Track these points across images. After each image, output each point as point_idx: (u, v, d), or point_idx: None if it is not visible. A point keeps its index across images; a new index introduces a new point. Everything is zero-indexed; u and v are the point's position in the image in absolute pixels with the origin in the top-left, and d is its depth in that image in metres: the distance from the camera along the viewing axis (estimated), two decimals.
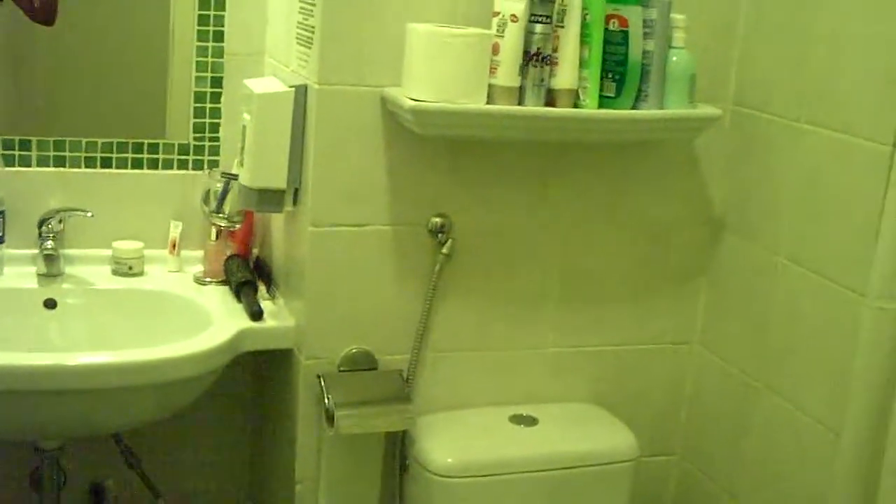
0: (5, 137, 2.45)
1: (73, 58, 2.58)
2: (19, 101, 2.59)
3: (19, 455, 2.41)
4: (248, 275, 2.45)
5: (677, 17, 2.23)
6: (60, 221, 2.46)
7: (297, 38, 2.28)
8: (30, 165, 2.49)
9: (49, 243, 2.44)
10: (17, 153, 2.48)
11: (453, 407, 2.41)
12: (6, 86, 2.56)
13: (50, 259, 2.44)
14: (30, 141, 2.48)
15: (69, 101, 2.59)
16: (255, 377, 2.66)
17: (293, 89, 2.23)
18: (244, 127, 2.29)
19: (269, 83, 2.32)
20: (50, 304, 2.42)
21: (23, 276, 2.46)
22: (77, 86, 2.59)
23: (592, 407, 2.51)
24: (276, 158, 2.26)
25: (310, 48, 2.20)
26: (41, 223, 2.45)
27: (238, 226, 2.52)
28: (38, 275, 2.46)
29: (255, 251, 2.61)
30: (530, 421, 2.39)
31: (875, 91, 2.06)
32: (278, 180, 2.27)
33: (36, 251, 2.46)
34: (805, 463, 2.23)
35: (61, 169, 2.51)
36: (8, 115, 2.50)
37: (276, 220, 2.49)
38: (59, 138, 2.50)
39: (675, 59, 2.24)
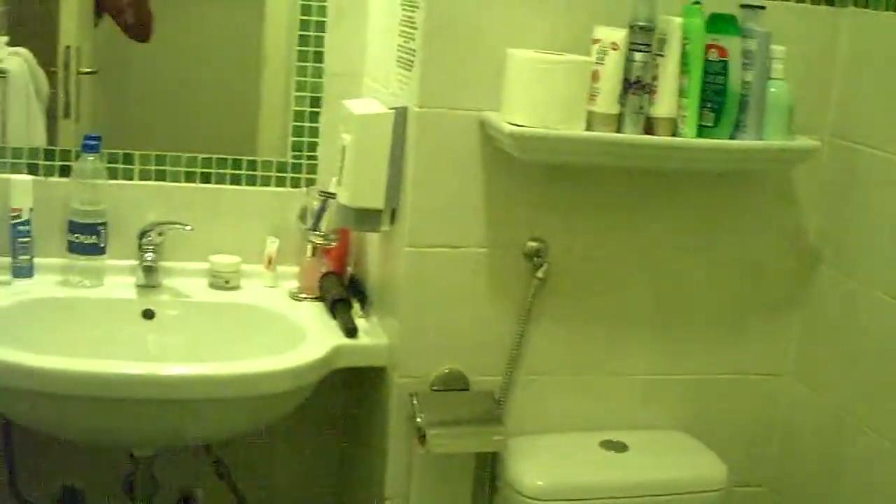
0: (109, 151, 2.51)
1: (171, 74, 2.65)
2: (122, 116, 2.66)
3: (114, 461, 2.44)
4: (342, 292, 2.48)
5: (777, 48, 2.23)
6: (160, 234, 2.51)
7: (398, 60, 2.31)
8: (132, 179, 2.55)
9: (149, 255, 2.49)
10: (120, 167, 2.53)
11: (544, 430, 2.42)
12: (110, 101, 2.63)
13: (149, 271, 2.50)
14: (132, 155, 2.54)
15: (169, 116, 2.65)
16: (347, 393, 2.68)
17: (393, 111, 2.26)
18: (343, 147, 2.32)
19: (368, 104, 2.35)
20: (148, 314, 2.47)
21: (123, 286, 2.51)
22: (175, 102, 2.65)
23: (683, 435, 2.50)
24: (375, 179, 2.29)
25: (410, 71, 2.23)
26: (141, 235, 2.50)
27: (334, 244, 2.55)
28: (138, 286, 2.51)
29: (350, 269, 2.64)
30: (620, 447, 2.39)
31: None
32: (376, 200, 2.30)
33: (136, 262, 2.51)
34: None
35: (162, 183, 2.56)
36: (111, 130, 2.56)
37: (372, 239, 2.52)
38: (161, 153, 2.55)
39: (773, 89, 2.24)
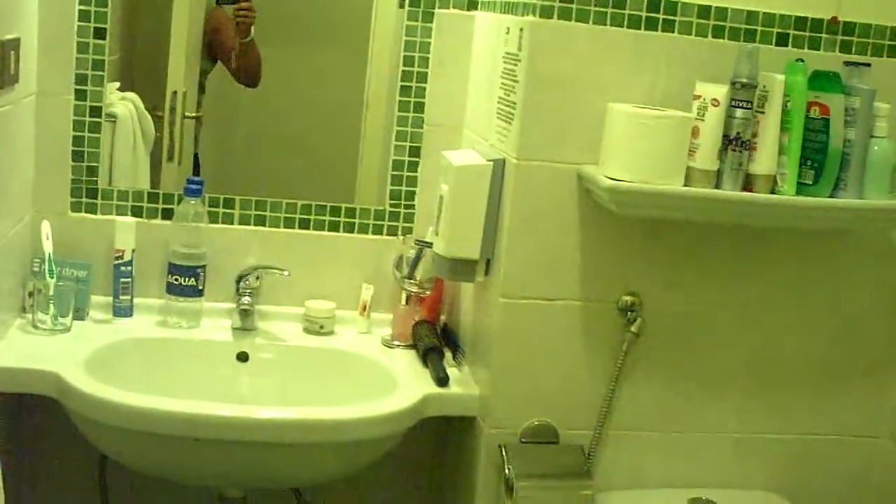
0: (211, 195, 2.56)
1: (273, 119, 2.71)
2: (224, 161, 2.71)
3: (206, 500, 2.47)
4: (435, 341, 2.49)
5: (881, 105, 2.22)
6: (258, 278, 2.55)
7: (498, 112, 2.33)
8: (232, 223, 2.60)
9: (246, 299, 2.53)
10: (220, 211, 2.58)
11: (633, 486, 2.40)
12: (213, 146, 2.68)
13: (245, 314, 2.53)
14: (233, 200, 2.59)
15: (269, 161, 2.71)
16: (436, 442, 2.69)
17: (491, 163, 2.28)
18: (441, 197, 2.34)
19: (467, 155, 2.37)
20: (242, 357, 2.50)
21: (219, 328, 2.55)
22: (276, 147, 2.71)
23: (773, 495, 2.47)
24: (471, 229, 2.30)
25: (510, 123, 2.25)
26: (239, 279, 2.55)
27: (428, 292, 2.57)
28: (234, 328, 2.55)
29: (443, 318, 2.65)
30: None
31: None
32: (472, 251, 2.31)
33: (232, 305, 2.56)
34: None
35: (261, 228, 2.61)
36: (214, 174, 2.61)
37: (466, 289, 2.53)
38: (260, 198, 2.59)
39: (876, 148, 2.22)
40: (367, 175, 2.72)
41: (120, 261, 2.51)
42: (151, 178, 2.62)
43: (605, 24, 2.19)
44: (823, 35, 2.28)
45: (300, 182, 2.69)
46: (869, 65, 2.22)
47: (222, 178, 2.64)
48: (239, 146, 2.74)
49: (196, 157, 2.68)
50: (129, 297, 2.53)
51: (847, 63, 2.24)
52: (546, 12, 2.16)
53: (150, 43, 2.64)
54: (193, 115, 2.65)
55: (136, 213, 2.56)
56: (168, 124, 2.63)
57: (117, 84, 2.55)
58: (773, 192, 2.20)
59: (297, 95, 2.71)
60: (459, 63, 2.60)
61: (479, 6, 2.57)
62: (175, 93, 2.62)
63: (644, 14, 2.20)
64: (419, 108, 2.61)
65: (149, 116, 2.60)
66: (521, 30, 2.21)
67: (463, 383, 2.40)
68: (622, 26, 2.20)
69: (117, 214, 2.54)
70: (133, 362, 2.40)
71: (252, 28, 2.63)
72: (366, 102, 2.70)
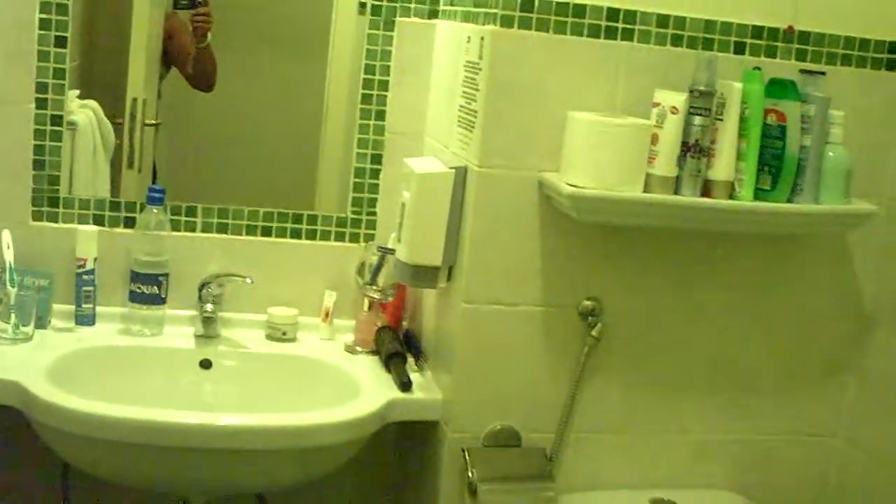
0: (173, 204, 2.56)
1: (233, 127, 2.72)
2: (183, 168, 2.71)
3: None
4: (398, 346, 2.51)
5: (835, 113, 2.26)
6: (220, 286, 2.56)
7: (459, 120, 2.35)
8: (194, 231, 2.60)
9: (209, 306, 2.54)
10: (182, 219, 2.59)
11: (594, 487, 2.43)
12: (173, 153, 2.68)
13: (208, 321, 2.54)
14: (195, 208, 2.59)
15: (229, 168, 2.71)
16: (400, 446, 2.70)
17: (453, 170, 2.30)
18: (403, 204, 2.35)
19: (429, 163, 2.39)
20: (205, 364, 2.50)
21: (182, 336, 2.55)
22: (236, 154, 2.71)
23: (732, 495, 2.50)
24: (433, 236, 2.32)
25: (471, 131, 2.27)
26: (202, 286, 2.55)
27: (390, 299, 2.59)
28: (196, 336, 2.55)
29: (406, 324, 2.67)
30: None
31: None
32: (434, 257, 2.33)
33: (195, 313, 2.56)
34: None
35: (223, 235, 2.61)
36: (173, 182, 2.61)
37: (428, 295, 2.55)
38: (223, 206, 2.60)
39: (831, 154, 2.27)
40: (327, 182, 2.74)
41: (82, 269, 2.50)
42: (112, 186, 2.61)
43: (564, 34, 2.21)
44: (780, 44, 2.32)
45: (260, 189, 2.69)
46: (824, 73, 2.27)
47: (182, 185, 2.63)
48: (198, 153, 2.74)
49: (154, 164, 2.68)
50: (91, 306, 2.53)
51: (802, 71, 2.28)
52: (507, 22, 2.18)
53: (109, 50, 2.63)
54: (153, 122, 2.65)
55: (98, 221, 2.55)
56: (128, 131, 2.62)
57: (77, 92, 2.55)
58: (731, 197, 2.23)
59: (255, 102, 2.71)
60: (420, 71, 2.62)
61: (440, 15, 2.59)
62: (135, 100, 2.62)
63: (603, 23, 2.23)
64: (381, 115, 2.63)
65: (109, 124, 2.60)
66: (482, 39, 2.23)
67: (426, 388, 2.42)
68: (582, 35, 2.23)
69: (79, 223, 2.54)
70: (96, 371, 2.40)
71: (209, 34, 2.64)
72: (325, 109, 2.71)
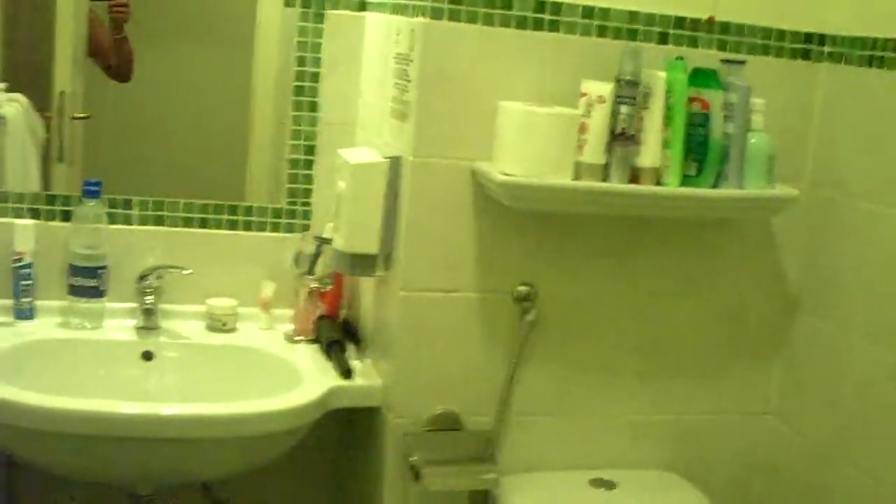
0: (110, 197, 2.58)
1: (160, 118, 2.73)
2: (114, 160, 2.71)
3: (116, 500, 2.49)
4: (337, 335, 2.55)
5: (757, 101, 2.32)
6: (159, 278, 2.58)
7: (392, 111, 2.39)
8: (131, 224, 2.62)
9: (148, 298, 2.56)
10: (119, 212, 2.60)
11: (535, 468, 2.47)
12: (104, 146, 2.69)
13: (148, 313, 2.57)
14: (131, 200, 2.61)
15: (159, 161, 2.73)
16: (342, 433, 2.74)
17: (388, 160, 2.34)
18: (338, 194, 2.39)
19: (363, 153, 2.43)
20: (147, 356, 2.53)
21: (122, 328, 2.57)
22: (165, 146, 2.73)
23: (669, 474, 2.56)
24: (370, 225, 2.36)
25: (404, 122, 2.31)
26: (141, 279, 2.57)
27: (328, 287, 2.62)
28: (137, 328, 2.57)
29: (344, 312, 2.70)
30: (609, 485, 2.45)
31: None
32: (371, 246, 2.38)
33: (135, 305, 2.58)
34: None
35: (160, 228, 2.63)
36: (105, 174, 2.60)
37: (366, 283, 2.59)
38: (159, 199, 2.62)
39: (754, 140, 2.32)
40: (258, 172, 2.76)
41: (20, 263, 2.51)
42: (43, 180, 2.62)
43: (493, 25, 2.26)
44: (702, 34, 2.38)
45: (192, 181, 2.71)
46: (744, 62, 2.33)
47: (115, 178, 2.62)
48: (128, 145, 2.73)
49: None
50: (30, 300, 2.54)
51: (724, 60, 2.34)
52: (436, 14, 2.22)
53: (34, 42, 2.63)
54: (81, 115, 2.66)
55: (35, 215, 2.56)
56: (57, 125, 2.63)
57: (3, 85, 2.55)
58: (658, 184, 2.29)
59: (183, 93, 2.73)
60: (351, 63, 2.65)
61: (369, 7, 2.63)
62: (62, 93, 2.63)
63: (531, 15, 2.28)
64: (313, 107, 2.66)
65: (38, 117, 2.61)
66: (413, 31, 2.27)
67: (366, 375, 2.46)
68: (510, 27, 2.27)
69: (15, 217, 2.55)
70: (37, 364, 2.41)
71: (125, 25, 2.64)
72: (253, 100, 2.73)
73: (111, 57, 2.66)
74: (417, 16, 2.26)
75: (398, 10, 2.40)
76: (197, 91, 2.74)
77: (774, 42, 2.44)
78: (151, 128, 2.73)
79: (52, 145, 2.63)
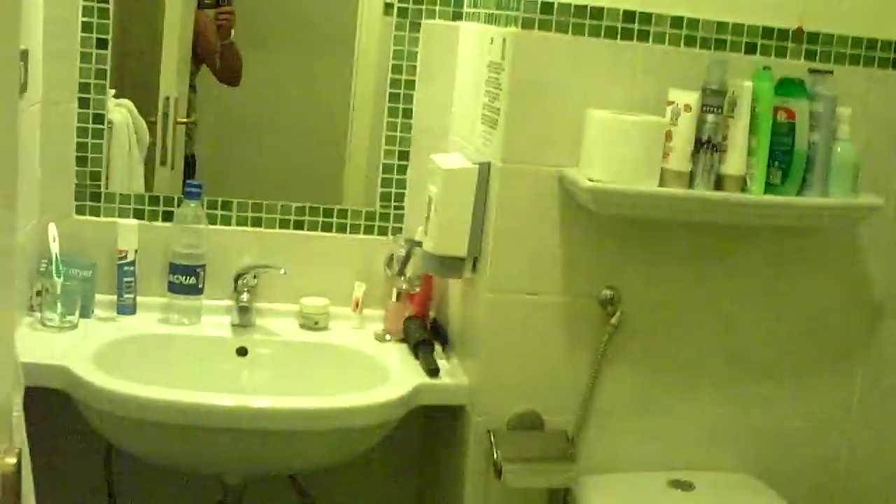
0: (210, 199, 2.67)
1: (263, 123, 2.82)
2: (216, 163, 2.82)
3: (207, 488, 2.59)
4: (425, 335, 2.61)
5: (843, 110, 2.34)
6: (255, 277, 2.67)
7: (483, 118, 2.45)
8: (229, 224, 2.71)
9: (244, 296, 2.65)
10: (219, 213, 2.70)
11: (614, 469, 2.51)
12: (206, 149, 2.79)
13: (244, 311, 2.65)
14: (231, 202, 2.70)
15: (259, 164, 2.82)
16: (428, 430, 2.80)
17: (477, 166, 2.40)
18: (430, 198, 2.46)
19: (454, 159, 2.49)
20: (242, 351, 2.61)
21: (218, 325, 2.67)
22: (266, 150, 2.82)
23: (748, 477, 2.58)
24: (459, 229, 2.42)
25: (494, 128, 2.37)
26: (237, 277, 2.66)
27: (418, 289, 2.69)
28: (233, 325, 2.66)
29: (432, 313, 2.76)
30: (688, 486, 2.47)
31: None
32: (460, 249, 2.44)
33: (231, 303, 2.67)
34: None
35: (258, 229, 2.72)
36: (208, 177, 2.72)
37: (454, 285, 2.64)
38: (257, 201, 2.71)
39: (839, 150, 2.34)
40: (354, 177, 2.84)
41: (123, 261, 2.62)
42: (146, 183, 2.72)
43: (583, 35, 2.31)
44: (789, 44, 2.40)
45: (290, 184, 2.79)
46: (831, 72, 2.35)
47: (215, 180, 2.73)
48: (230, 149, 2.84)
49: (189, 159, 2.79)
50: (132, 296, 2.64)
51: (811, 70, 2.36)
52: (528, 24, 2.28)
53: (142, 50, 2.73)
54: (185, 120, 2.76)
55: (138, 215, 2.66)
56: (161, 129, 2.73)
57: (113, 91, 2.65)
58: (742, 191, 2.32)
59: (284, 99, 2.81)
60: (445, 71, 2.72)
61: (464, 17, 2.69)
62: (168, 98, 2.72)
63: (620, 25, 2.32)
64: (407, 113, 2.73)
65: (143, 122, 2.71)
66: (505, 40, 2.32)
67: (452, 374, 2.51)
68: (599, 36, 2.32)
69: (120, 217, 2.65)
70: (138, 357, 2.50)
71: (232, 31, 2.74)
72: (352, 107, 2.82)
73: (220, 61, 2.76)
74: (509, 25, 2.32)
75: (491, 19, 2.46)
76: (297, 97, 2.82)
77: (862, 51, 2.45)
78: (253, 132, 2.82)
79: (155, 149, 2.73)
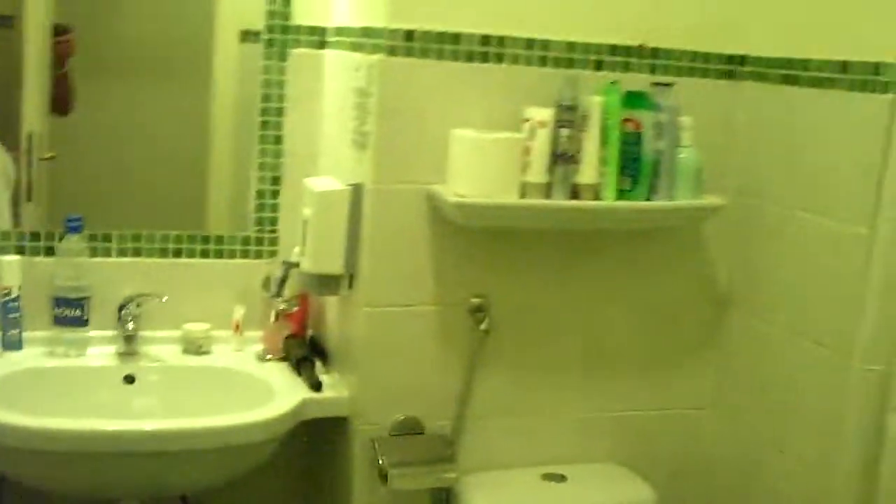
0: (91, 232, 2.72)
1: (121, 155, 2.82)
2: (80, 198, 2.80)
3: None
4: (305, 352, 2.70)
5: (685, 119, 2.49)
6: (138, 305, 2.72)
7: (352, 142, 2.55)
8: (110, 256, 2.76)
9: (129, 325, 2.70)
10: (99, 245, 2.74)
11: (492, 466, 2.62)
12: (75, 184, 2.81)
13: (129, 339, 2.71)
14: (111, 234, 2.75)
15: (123, 196, 2.84)
16: (313, 443, 2.86)
17: (350, 187, 2.50)
18: (304, 220, 2.56)
19: (326, 182, 2.59)
20: (129, 379, 2.66)
21: (105, 355, 2.71)
22: (125, 182, 2.83)
23: (616, 466, 2.72)
24: (334, 247, 2.52)
25: (364, 151, 2.47)
26: (121, 307, 2.72)
27: (296, 308, 2.78)
28: (118, 353, 2.71)
29: (310, 331, 2.85)
30: (560, 478, 2.60)
31: (853, 182, 2.34)
32: (336, 267, 2.54)
33: (116, 333, 2.72)
34: None
35: (138, 259, 2.77)
36: (73, 211, 2.70)
37: (330, 303, 2.74)
38: (136, 232, 2.76)
39: (683, 156, 2.49)
40: (218, 203, 2.91)
41: (8, 297, 2.64)
42: (14, 220, 2.73)
43: (444, 59, 2.42)
44: (633, 60, 2.55)
45: (160, 213, 2.83)
46: (672, 84, 2.49)
47: (93, 213, 2.72)
48: (90, 183, 2.83)
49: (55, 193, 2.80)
50: (18, 331, 2.67)
51: (654, 84, 2.50)
52: (391, 51, 2.39)
53: (4, 87, 2.70)
54: (48, 156, 2.76)
55: (20, 251, 2.69)
56: (26, 165, 2.73)
57: None
58: (597, 198, 2.45)
59: (141, 129, 2.81)
60: (313, 97, 2.80)
61: (329, 45, 2.78)
62: (31, 134, 2.73)
63: (477, 48, 2.44)
64: (278, 139, 2.81)
65: (10, 159, 2.71)
66: (371, 67, 2.44)
67: (334, 387, 2.61)
68: (458, 60, 2.43)
69: (1, 254, 2.67)
70: (27, 392, 2.52)
71: (69, 60, 2.73)
72: (211, 134, 2.87)
73: (52, 90, 2.74)
74: (376, 53, 2.42)
75: (356, 47, 2.56)
76: (156, 126, 2.82)
77: (700, 64, 2.60)
78: (113, 164, 2.81)
79: (20, 185, 2.73)
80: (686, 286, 2.74)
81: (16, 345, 2.68)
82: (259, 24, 2.77)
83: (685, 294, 2.74)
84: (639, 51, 2.56)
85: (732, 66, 2.66)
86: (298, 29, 2.80)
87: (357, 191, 2.50)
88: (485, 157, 2.39)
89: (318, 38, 2.81)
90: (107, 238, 2.75)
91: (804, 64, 2.50)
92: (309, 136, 2.83)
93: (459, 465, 2.55)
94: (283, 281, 2.73)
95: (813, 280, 2.47)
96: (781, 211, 2.56)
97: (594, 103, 2.44)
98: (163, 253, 2.80)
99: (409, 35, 2.40)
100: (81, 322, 2.70)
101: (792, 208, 2.53)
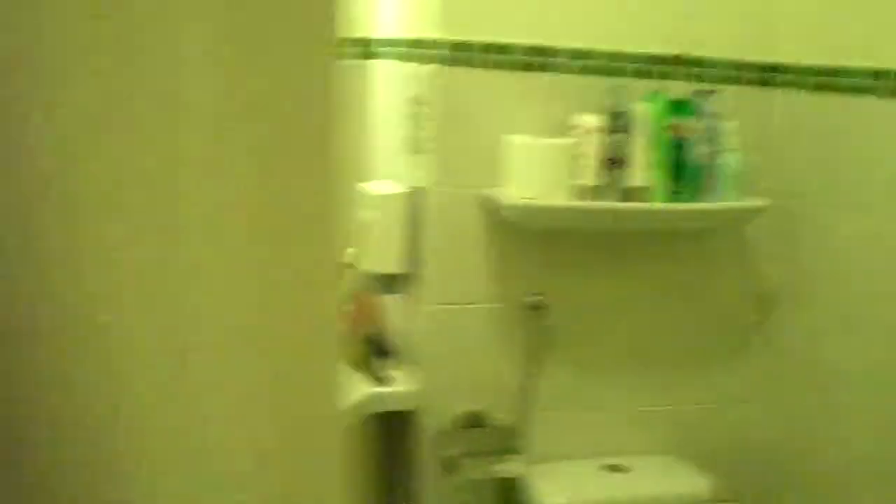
0: None
1: None
2: None
3: None
4: (370, 348, 2.79)
5: (728, 124, 2.60)
6: None
7: (408, 147, 2.66)
8: None
9: None
10: None
11: (555, 458, 2.71)
12: None
13: None
14: None
15: None
16: (380, 436, 2.90)
17: (408, 190, 2.63)
18: (364, 222, 2.66)
19: (385, 185, 2.71)
20: None
21: None
22: None
23: (672, 457, 2.81)
24: (395, 248, 2.65)
25: (419, 156, 2.59)
26: None
27: (350, 308, 2.87)
28: None
29: (370, 328, 2.89)
30: (622, 469, 2.69)
31: (891, 183, 2.46)
32: (396, 266, 2.67)
33: None
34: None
35: None
36: None
37: (389, 300, 2.83)
38: None
39: (726, 159, 2.60)
40: None
41: None
42: None
43: (495, 69, 2.53)
44: (676, 68, 2.65)
45: None
46: (714, 92, 2.60)
47: None
48: None
49: None
50: None
51: (695, 92, 2.61)
52: (443, 60, 2.50)
53: None
54: None
55: None
56: None
57: None
58: (646, 200, 2.57)
59: None
60: (358, 105, 2.89)
61: (376, 56, 2.88)
62: None
63: (524, 59, 2.55)
64: None
65: None
66: (426, 77, 2.55)
67: (400, 382, 2.69)
68: (509, 70, 2.54)
69: None
70: None
71: None
72: None
73: None
74: (429, 63, 2.53)
75: (407, 57, 2.67)
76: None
77: (736, 72, 2.71)
78: None
79: None
80: (732, 284, 2.83)
81: None
82: None
83: (732, 292, 2.83)
84: (678, 60, 2.66)
85: (767, 74, 2.75)
86: (343, 41, 2.87)
87: (415, 194, 2.62)
88: (538, 161, 2.51)
89: (363, 48, 2.90)
90: None
91: (837, 71, 2.60)
92: (356, 142, 2.90)
93: (523, 457, 2.65)
94: None
95: (858, 276, 2.57)
96: (824, 211, 2.66)
97: (641, 110, 2.55)
98: None
99: (461, 46, 2.51)
100: None
101: (834, 208, 2.63)
